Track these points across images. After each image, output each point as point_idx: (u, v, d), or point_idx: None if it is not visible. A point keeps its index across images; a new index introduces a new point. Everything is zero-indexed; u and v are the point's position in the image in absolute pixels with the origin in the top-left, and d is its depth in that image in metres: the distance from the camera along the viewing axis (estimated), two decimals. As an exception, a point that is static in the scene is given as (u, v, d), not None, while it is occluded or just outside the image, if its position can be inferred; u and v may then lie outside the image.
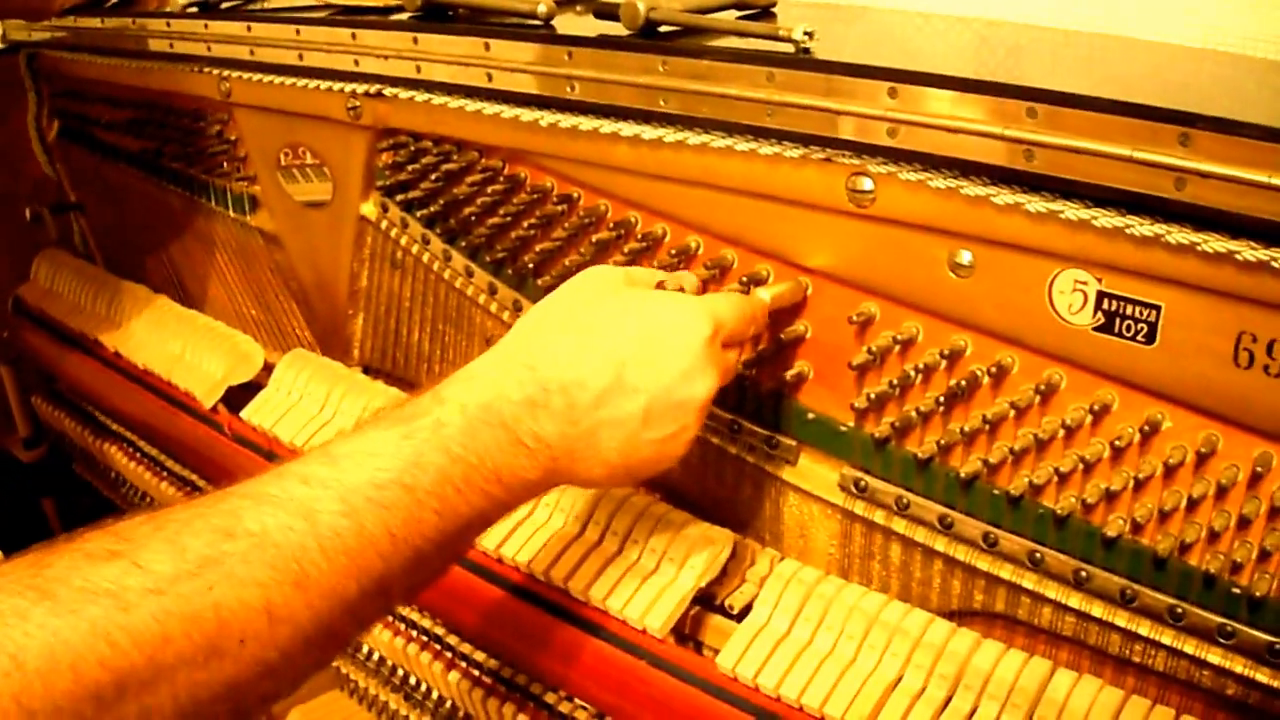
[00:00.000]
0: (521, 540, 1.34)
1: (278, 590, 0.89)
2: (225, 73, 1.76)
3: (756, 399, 1.27)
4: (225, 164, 1.88)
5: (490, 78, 1.36)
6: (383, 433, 1.02)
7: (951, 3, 1.55)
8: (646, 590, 1.24)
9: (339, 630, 0.95)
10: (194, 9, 1.82)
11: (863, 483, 1.20)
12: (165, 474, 2.04)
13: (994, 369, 1.08)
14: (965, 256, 1.07)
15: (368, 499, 0.96)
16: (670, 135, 1.22)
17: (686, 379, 1.09)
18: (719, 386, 1.12)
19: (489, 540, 1.34)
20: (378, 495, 0.96)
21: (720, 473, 1.33)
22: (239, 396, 1.79)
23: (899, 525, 1.19)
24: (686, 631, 1.26)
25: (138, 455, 2.12)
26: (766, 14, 1.36)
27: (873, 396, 1.16)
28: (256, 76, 1.70)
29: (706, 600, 1.26)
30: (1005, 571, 1.13)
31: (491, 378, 1.07)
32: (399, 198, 1.57)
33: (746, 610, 1.24)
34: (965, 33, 1.40)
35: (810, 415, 1.24)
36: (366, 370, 1.76)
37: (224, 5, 1.81)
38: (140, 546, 0.87)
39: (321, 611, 0.92)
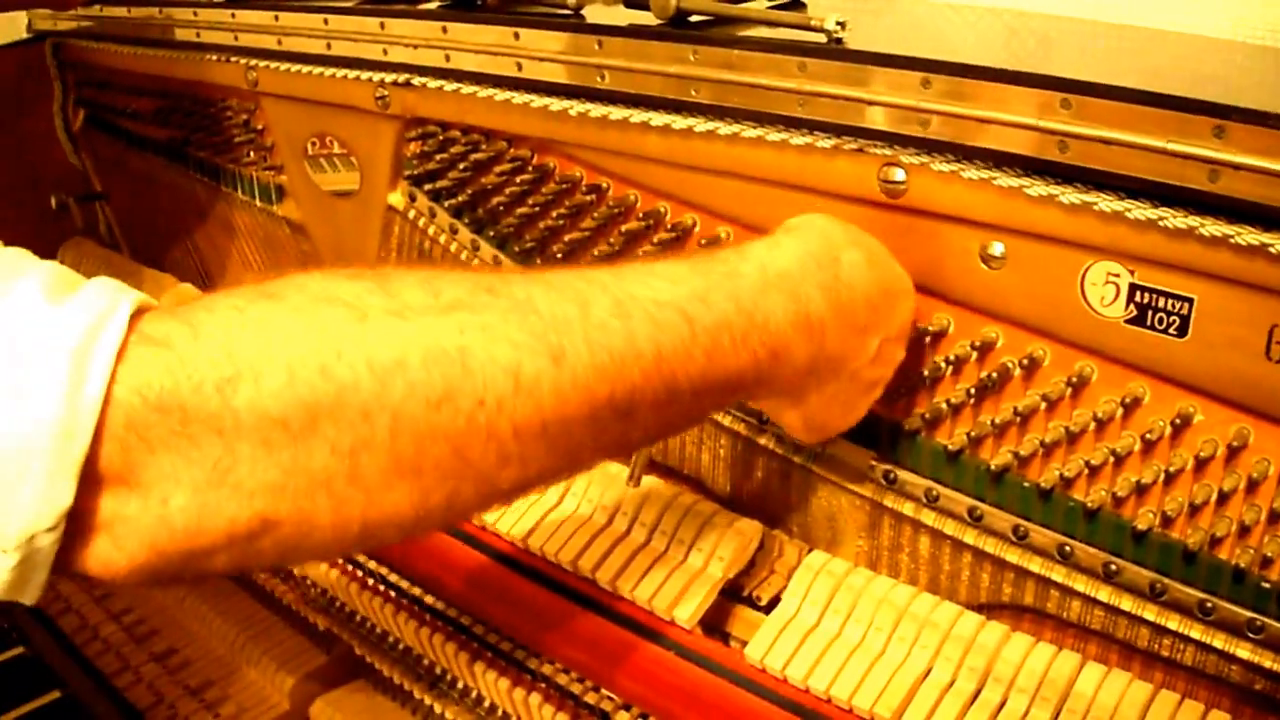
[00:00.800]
0: (549, 530, 1.34)
1: (531, 357, 0.83)
2: (252, 62, 1.76)
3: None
4: (252, 153, 1.88)
5: (520, 67, 1.36)
6: (674, 265, 0.98)
7: (980, -6, 1.55)
8: (674, 581, 1.24)
9: (575, 438, 0.89)
10: (221, -2, 1.82)
11: (892, 475, 1.20)
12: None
13: (1025, 361, 1.08)
14: (997, 248, 1.06)
15: (645, 310, 0.91)
16: (701, 125, 1.22)
17: (903, 336, 1.12)
18: None
19: (517, 529, 1.34)
20: (656, 312, 0.92)
21: (748, 464, 1.33)
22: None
23: (928, 518, 1.19)
24: (714, 622, 1.26)
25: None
26: (796, 4, 1.35)
27: (903, 388, 1.16)
28: (284, 66, 1.70)
29: (734, 591, 1.26)
30: (1035, 564, 1.12)
31: (796, 252, 1.04)
32: (427, 187, 1.56)
33: (774, 602, 1.24)
34: (995, 23, 1.39)
35: (839, 405, 1.23)
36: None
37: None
38: (389, 279, 0.83)
39: (568, 401, 0.85)
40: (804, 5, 1.34)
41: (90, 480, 0.73)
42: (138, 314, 0.77)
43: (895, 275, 1.10)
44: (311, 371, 0.76)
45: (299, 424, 0.76)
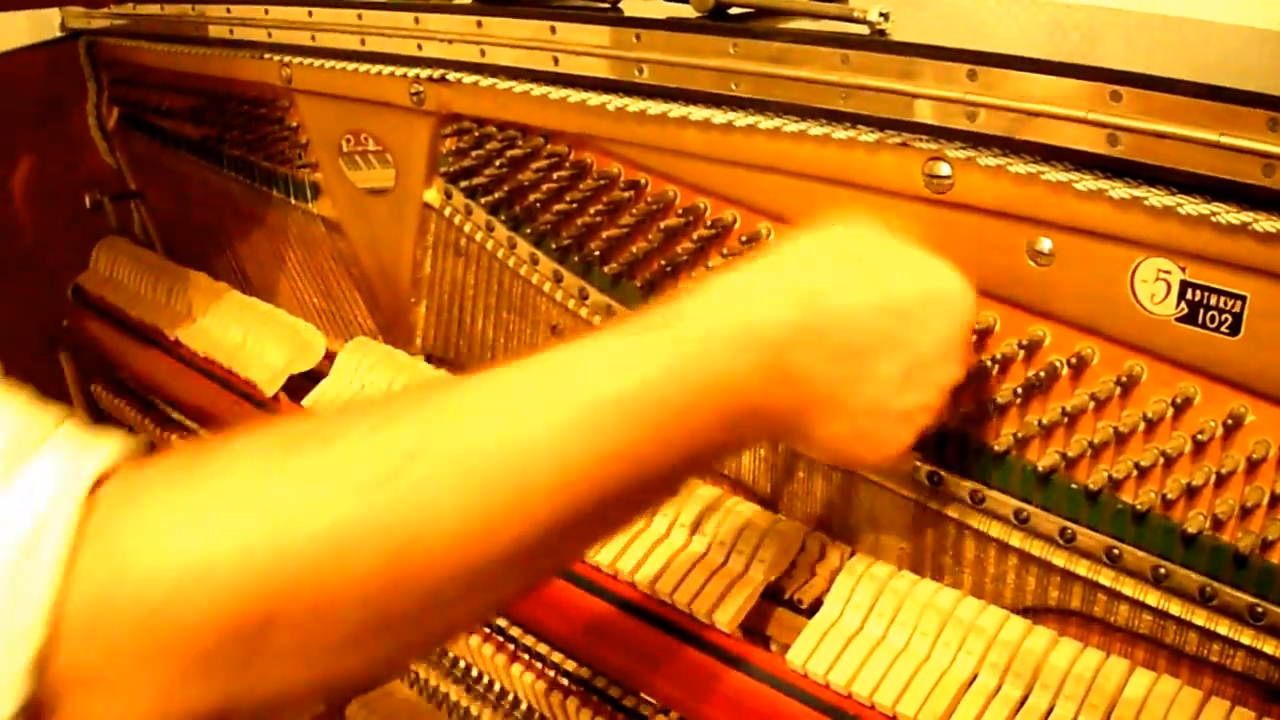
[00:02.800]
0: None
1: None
2: (286, 59, 1.75)
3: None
4: (286, 151, 1.87)
5: (556, 61, 1.35)
6: (607, 349, 0.89)
7: (1024, -15, 1.53)
8: (715, 584, 1.23)
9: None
10: (253, -7, 1.81)
11: (936, 476, 1.18)
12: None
13: (1073, 360, 1.06)
14: (1045, 244, 1.04)
15: (581, 416, 0.84)
16: (741, 119, 1.20)
17: (949, 353, 1.01)
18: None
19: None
20: (594, 416, 0.84)
21: (790, 464, 1.31)
22: (301, 385, 1.79)
23: (974, 520, 1.16)
24: (754, 625, 1.25)
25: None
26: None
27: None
28: (318, 62, 1.69)
29: (775, 594, 1.25)
30: (1082, 568, 1.10)
31: (754, 293, 0.94)
32: (463, 184, 1.55)
33: (816, 605, 1.22)
34: (1039, 15, 1.38)
35: (881, 405, 1.21)
36: (429, 359, 1.75)
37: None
38: (334, 445, 0.79)
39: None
40: (845, -1, 1.32)
41: (53, 680, 0.70)
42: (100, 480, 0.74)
43: (916, 291, 1.00)
44: (257, 572, 0.74)
45: (250, 630, 0.74)
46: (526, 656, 1.43)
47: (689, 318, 0.91)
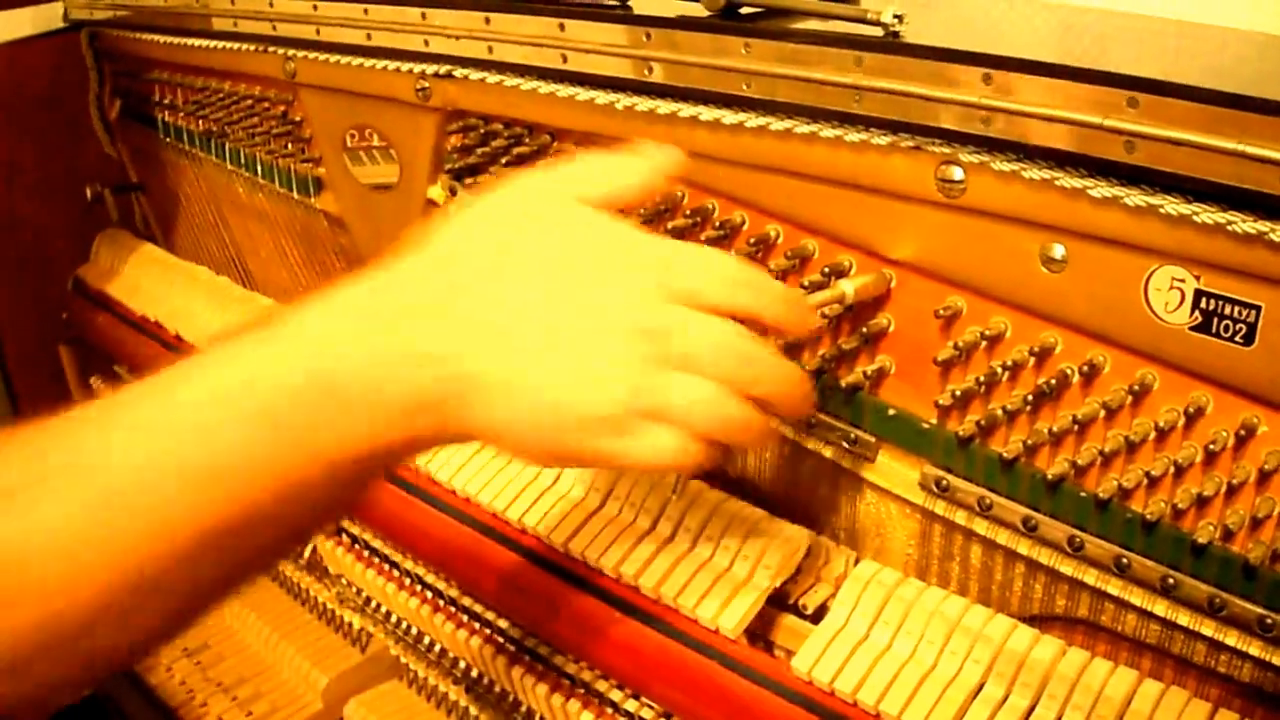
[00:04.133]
0: (592, 534, 1.31)
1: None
2: (290, 53, 1.74)
3: (835, 393, 1.23)
4: (289, 145, 1.86)
5: (565, 59, 1.34)
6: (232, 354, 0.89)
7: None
8: (720, 589, 1.22)
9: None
10: (259, -13, 1.80)
11: (944, 482, 1.17)
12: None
13: (1085, 367, 1.05)
14: (1058, 250, 1.03)
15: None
16: (752, 120, 1.19)
17: (643, 310, 0.91)
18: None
19: (558, 533, 1.32)
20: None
21: (795, 468, 1.30)
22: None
23: (981, 527, 1.15)
24: (758, 630, 1.24)
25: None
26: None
27: (958, 393, 1.12)
28: (323, 56, 1.68)
29: (780, 599, 1.24)
30: (1090, 577, 1.09)
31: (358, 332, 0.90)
32: (468, 181, 1.54)
33: (821, 611, 1.22)
34: (1050, 19, 1.37)
35: (891, 411, 1.20)
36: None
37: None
38: None
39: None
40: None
41: None
42: None
43: (564, 246, 0.94)
44: None
45: None
46: (529, 659, 1.43)
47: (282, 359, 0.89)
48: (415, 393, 0.89)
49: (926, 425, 1.18)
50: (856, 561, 1.25)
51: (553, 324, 0.90)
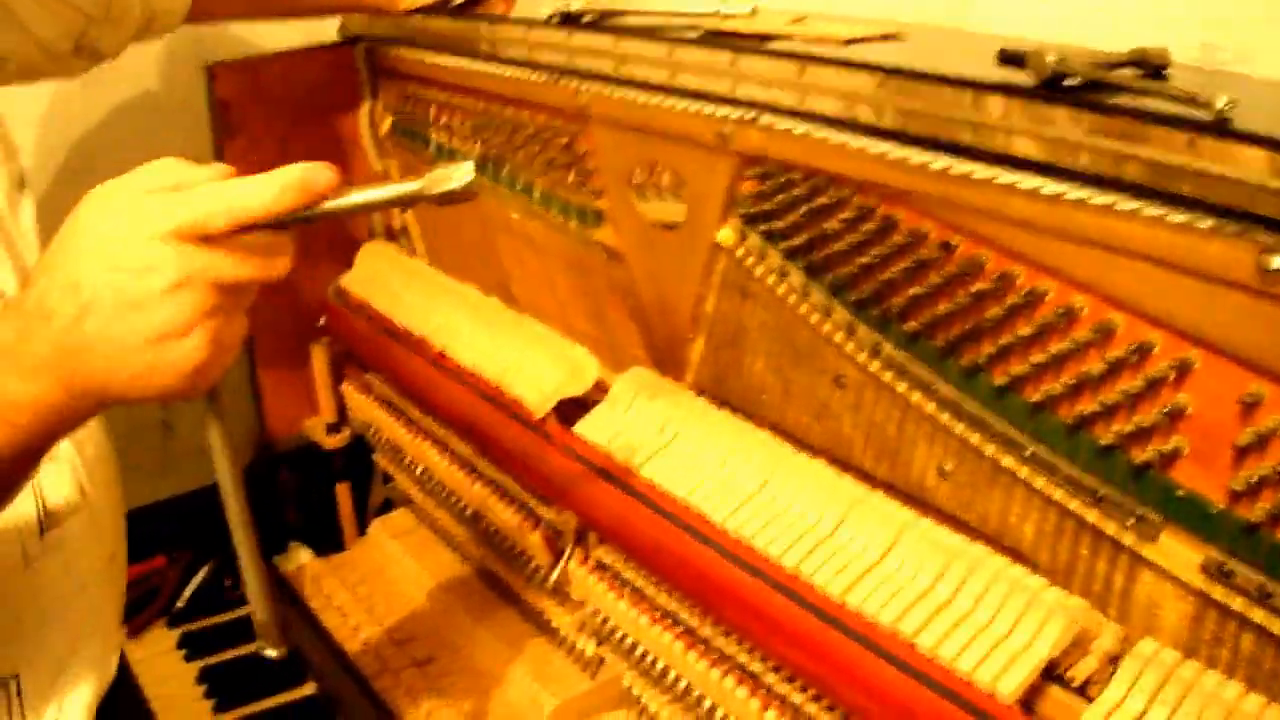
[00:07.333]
0: (872, 588, 1.32)
1: None
2: (584, 85, 1.77)
3: (1125, 469, 1.22)
4: (572, 176, 1.88)
5: (883, 116, 1.34)
6: None
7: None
8: (998, 654, 1.22)
9: None
10: (555, 19, 1.83)
11: (1227, 567, 1.16)
12: (477, 475, 2.06)
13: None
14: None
15: None
16: (1073, 192, 1.18)
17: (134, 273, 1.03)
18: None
19: (836, 585, 1.32)
20: None
21: (1076, 539, 1.29)
22: (569, 410, 1.80)
23: (1257, 615, 1.14)
24: (1027, 698, 1.23)
25: (450, 454, 2.14)
26: (1159, 74, 1.32)
27: (1252, 480, 1.12)
28: (619, 92, 1.70)
29: (1047, 669, 1.23)
30: (1371, 675, 1.08)
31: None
32: (761, 227, 1.55)
33: (1086, 684, 1.21)
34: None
35: (1180, 492, 1.19)
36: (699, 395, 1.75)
37: (585, 19, 1.81)
38: None
39: None
40: (1165, 77, 1.30)
41: None
42: None
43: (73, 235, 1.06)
44: None
45: None
46: (783, 705, 1.43)
47: None
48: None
49: (1215, 509, 1.16)
50: (1125, 638, 1.24)
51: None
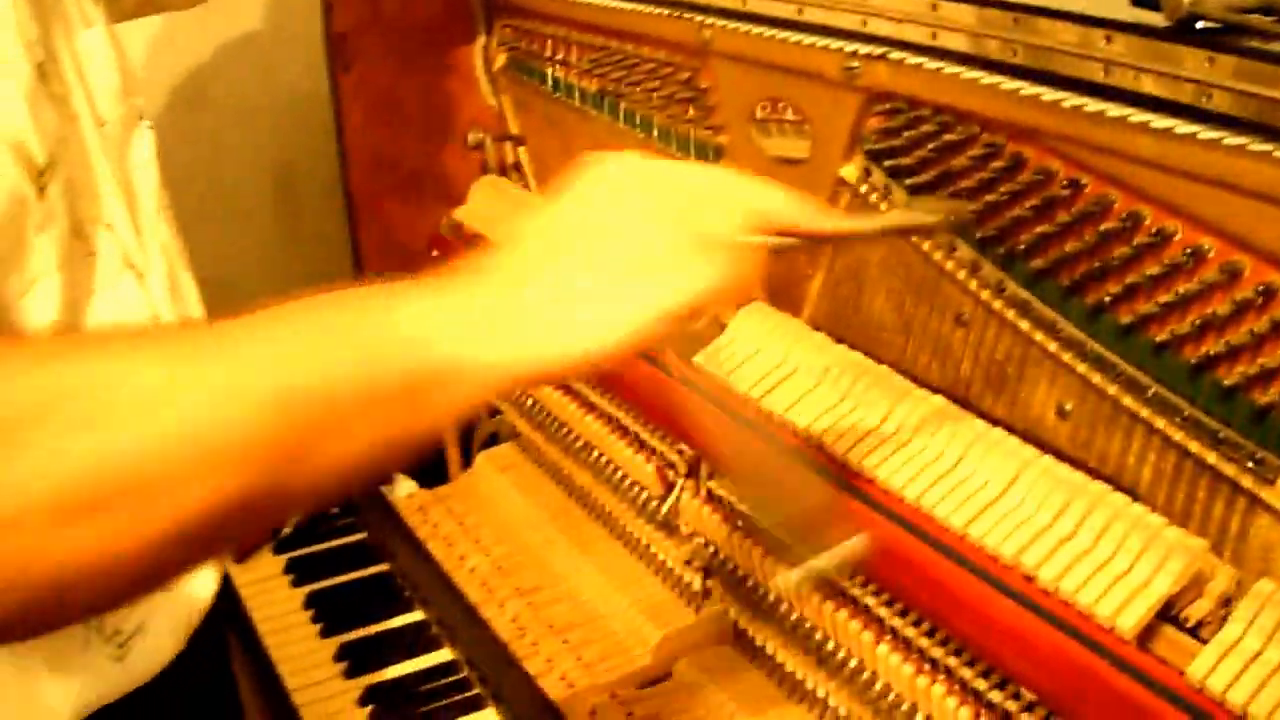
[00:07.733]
0: (992, 521, 1.33)
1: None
2: (708, 20, 1.77)
3: (1246, 411, 1.22)
4: (691, 111, 1.89)
5: (1015, 53, 1.34)
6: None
7: None
8: (1118, 589, 1.22)
9: None
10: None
11: (1346, 519, 1.16)
12: (590, 407, 2.08)
13: None
14: None
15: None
16: (1205, 133, 1.18)
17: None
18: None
19: (957, 517, 1.34)
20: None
21: (1194, 481, 1.29)
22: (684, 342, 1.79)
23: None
24: (1142, 637, 1.24)
25: (562, 385, 2.15)
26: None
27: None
28: (744, 27, 1.71)
29: (1162, 609, 1.23)
30: None
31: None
32: (886, 163, 1.55)
33: (1199, 624, 1.21)
34: None
35: (1302, 435, 1.19)
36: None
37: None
38: None
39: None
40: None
41: None
42: None
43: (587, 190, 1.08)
44: None
45: None
46: (894, 639, 1.44)
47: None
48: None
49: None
50: (1239, 582, 1.24)
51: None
